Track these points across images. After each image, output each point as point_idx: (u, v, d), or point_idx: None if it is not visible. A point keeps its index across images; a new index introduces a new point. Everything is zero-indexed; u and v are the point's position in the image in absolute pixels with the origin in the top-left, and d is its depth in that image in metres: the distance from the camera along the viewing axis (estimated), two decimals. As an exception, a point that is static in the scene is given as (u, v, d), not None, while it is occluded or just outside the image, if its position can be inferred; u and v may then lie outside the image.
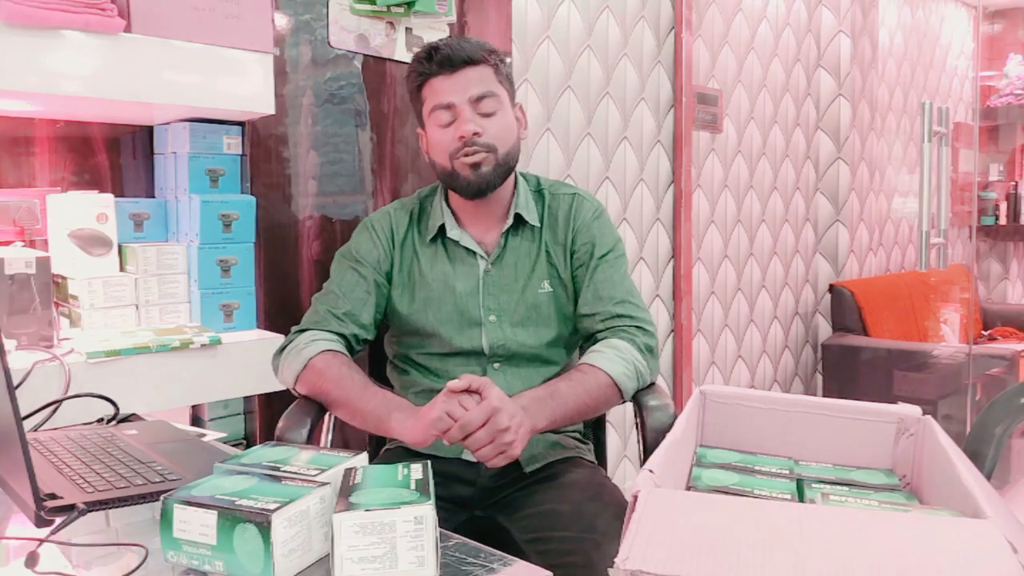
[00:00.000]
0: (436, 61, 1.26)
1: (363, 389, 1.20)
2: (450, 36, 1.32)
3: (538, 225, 1.34)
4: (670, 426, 1.10)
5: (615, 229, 1.38)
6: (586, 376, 1.20)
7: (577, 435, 1.38)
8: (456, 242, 1.33)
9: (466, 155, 1.25)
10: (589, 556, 1.05)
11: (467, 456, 1.26)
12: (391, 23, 1.87)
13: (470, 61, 1.26)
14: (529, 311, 1.32)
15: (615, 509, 1.14)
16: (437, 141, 1.28)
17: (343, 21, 1.79)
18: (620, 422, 2.64)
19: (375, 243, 1.34)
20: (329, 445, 1.37)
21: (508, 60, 1.35)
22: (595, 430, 1.48)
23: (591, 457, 1.37)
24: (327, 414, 1.29)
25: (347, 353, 1.28)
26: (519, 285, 1.32)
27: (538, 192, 1.38)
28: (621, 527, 1.07)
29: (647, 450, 1.20)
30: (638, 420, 1.25)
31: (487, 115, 1.26)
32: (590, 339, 1.32)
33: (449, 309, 1.31)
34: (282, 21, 1.70)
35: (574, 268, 1.34)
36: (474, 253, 1.33)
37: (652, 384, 1.29)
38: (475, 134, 1.24)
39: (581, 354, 1.34)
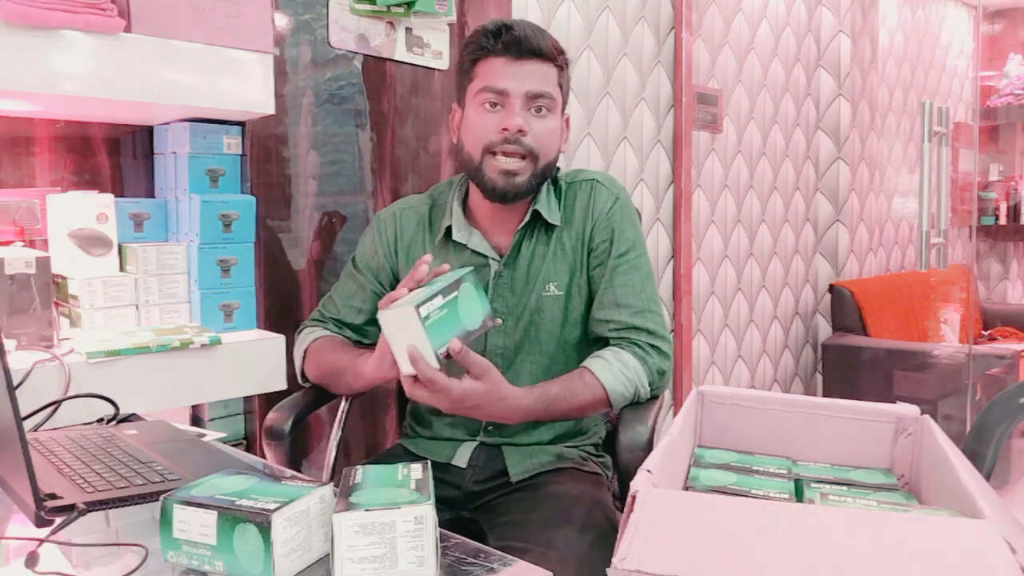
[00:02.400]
0: (504, 41, 1.16)
1: (340, 355, 1.24)
2: (518, 21, 1.21)
3: (557, 224, 1.26)
4: (642, 446, 1.10)
5: (636, 219, 1.30)
6: (586, 388, 1.17)
7: (591, 447, 1.33)
8: (465, 245, 1.26)
9: (503, 153, 1.17)
10: (550, 568, 1.03)
11: (457, 461, 1.25)
12: (391, 23, 1.87)
13: (539, 54, 1.17)
14: (532, 315, 1.26)
15: (583, 526, 1.10)
16: (476, 125, 1.18)
17: (343, 21, 1.79)
18: (620, 422, 2.64)
19: (376, 249, 1.33)
20: (336, 449, 1.38)
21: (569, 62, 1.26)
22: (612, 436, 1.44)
23: (594, 467, 1.30)
24: (319, 407, 1.34)
25: (342, 337, 1.34)
26: (528, 287, 1.26)
27: (555, 184, 1.29)
28: (580, 544, 1.06)
29: (622, 466, 1.12)
30: (617, 432, 1.18)
31: (537, 116, 1.18)
32: (598, 342, 1.27)
33: None
34: (282, 21, 1.70)
35: (592, 267, 1.26)
36: (484, 256, 1.26)
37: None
38: (520, 131, 1.16)
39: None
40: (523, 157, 1.17)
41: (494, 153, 1.18)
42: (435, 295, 1.00)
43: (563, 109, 1.24)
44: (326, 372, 1.28)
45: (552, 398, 1.14)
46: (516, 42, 1.16)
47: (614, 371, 1.18)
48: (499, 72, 1.17)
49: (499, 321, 1.04)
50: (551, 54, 1.19)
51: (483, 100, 1.18)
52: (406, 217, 1.33)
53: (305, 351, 1.32)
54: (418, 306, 0.98)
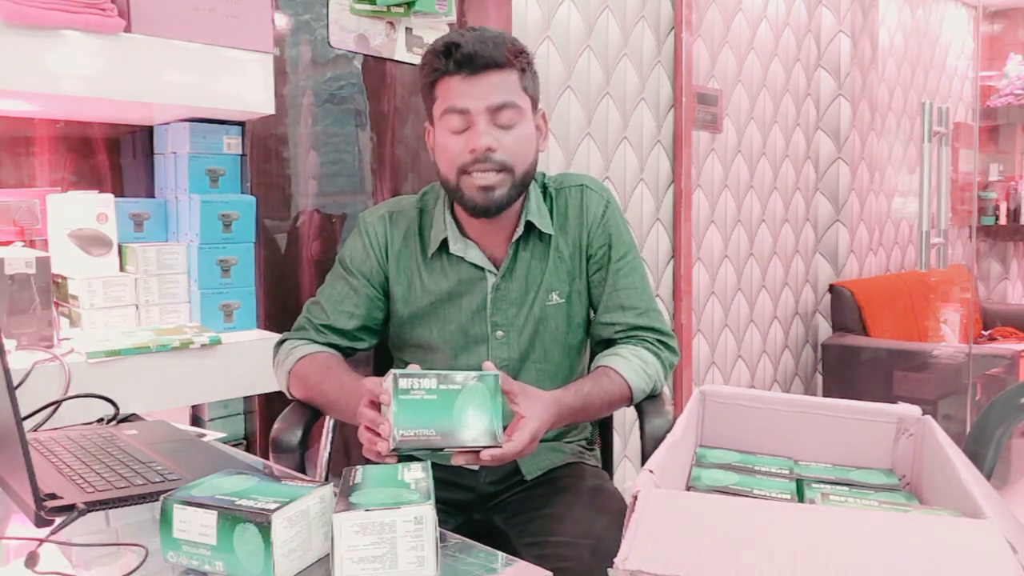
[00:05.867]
0: (455, 59, 1.12)
1: (340, 391, 1.15)
2: (471, 28, 1.18)
3: (552, 233, 1.24)
4: (664, 437, 1.10)
5: (625, 221, 1.30)
6: (614, 386, 1.18)
7: (584, 441, 1.36)
8: (461, 258, 1.24)
9: (478, 171, 1.14)
10: (585, 560, 1.04)
11: None
12: (391, 23, 1.87)
13: (494, 64, 1.12)
14: (537, 325, 1.25)
15: (612, 514, 1.13)
16: (445, 148, 1.16)
17: (343, 21, 1.79)
18: (621, 423, 2.64)
19: (368, 253, 1.27)
20: (330, 447, 1.38)
21: (535, 59, 1.22)
22: (603, 433, 1.46)
23: (594, 461, 1.34)
24: (325, 415, 1.29)
25: (330, 351, 1.25)
26: (529, 298, 1.25)
27: (544, 191, 1.28)
28: (618, 532, 1.07)
29: (646, 457, 1.19)
30: (639, 425, 1.24)
31: (505, 128, 1.14)
32: (602, 343, 1.28)
33: (453, 327, 1.25)
34: (282, 21, 1.70)
35: (591, 272, 1.27)
36: (481, 268, 1.24)
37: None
38: (489, 149, 1.13)
39: (591, 355, 1.32)
40: (498, 171, 1.15)
41: (468, 172, 1.15)
42: (430, 376, 0.91)
43: (535, 109, 1.21)
44: (319, 401, 1.21)
45: (586, 395, 1.15)
46: (468, 59, 1.12)
47: (634, 367, 1.20)
48: (457, 91, 1.13)
49: (490, 457, 0.94)
50: (507, 61, 1.14)
51: (448, 123, 1.15)
52: (396, 221, 1.28)
53: (289, 372, 1.23)
54: (399, 375, 0.90)
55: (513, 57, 1.15)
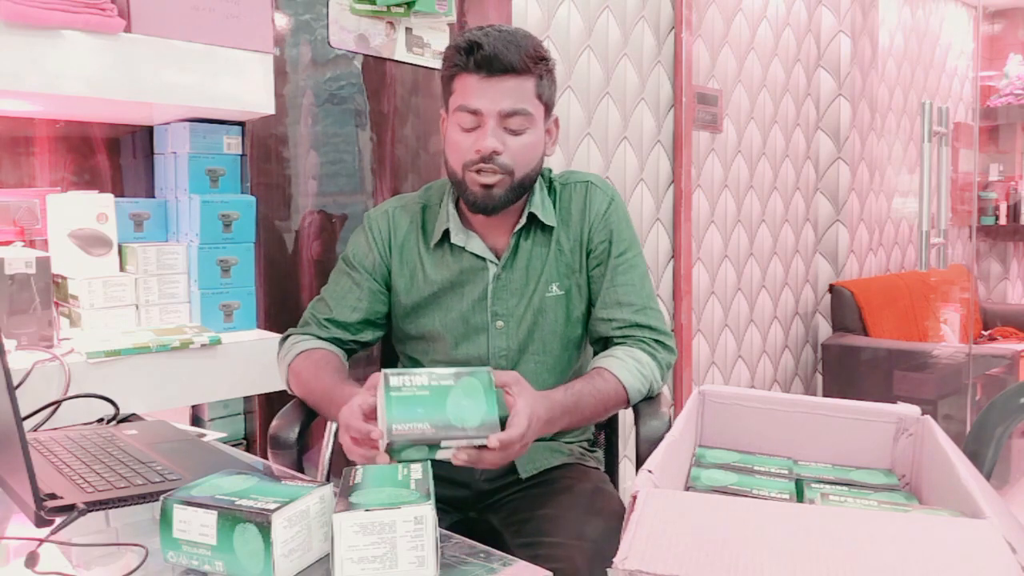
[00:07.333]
0: (475, 59, 1.15)
1: (323, 392, 1.17)
2: (498, 28, 1.18)
3: (554, 225, 1.27)
4: (660, 439, 1.10)
5: (629, 219, 1.31)
6: (608, 386, 1.18)
7: (585, 443, 1.36)
8: (463, 248, 1.26)
9: (479, 171, 1.17)
10: (577, 563, 1.04)
11: None
12: (391, 23, 1.87)
13: (511, 70, 1.15)
14: (536, 316, 1.26)
15: (607, 517, 1.13)
16: (455, 143, 1.20)
17: (343, 21, 1.79)
18: (621, 424, 2.64)
19: (371, 247, 1.30)
20: (331, 447, 1.38)
21: (553, 65, 1.23)
22: (607, 435, 1.46)
23: (595, 463, 1.34)
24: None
25: (329, 348, 1.26)
26: (529, 289, 1.26)
27: (550, 186, 1.30)
28: (613, 535, 1.07)
29: (640, 459, 1.17)
30: (635, 426, 1.24)
31: (513, 133, 1.17)
32: (600, 341, 1.29)
33: (455, 316, 1.27)
34: (282, 21, 1.70)
35: (591, 267, 1.28)
36: (483, 258, 1.26)
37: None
38: (494, 152, 1.16)
39: (593, 353, 1.32)
40: (499, 174, 1.18)
41: (472, 171, 1.18)
42: (420, 373, 0.91)
43: (547, 115, 1.23)
44: (310, 400, 1.22)
45: (577, 392, 1.14)
46: (487, 60, 1.14)
47: (629, 368, 1.20)
48: (472, 90, 1.16)
49: (497, 442, 0.91)
50: (525, 67, 1.16)
51: (459, 120, 1.18)
52: (398, 216, 1.31)
53: (288, 367, 1.26)
54: (389, 374, 0.91)
55: (532, 64, 1.17)
